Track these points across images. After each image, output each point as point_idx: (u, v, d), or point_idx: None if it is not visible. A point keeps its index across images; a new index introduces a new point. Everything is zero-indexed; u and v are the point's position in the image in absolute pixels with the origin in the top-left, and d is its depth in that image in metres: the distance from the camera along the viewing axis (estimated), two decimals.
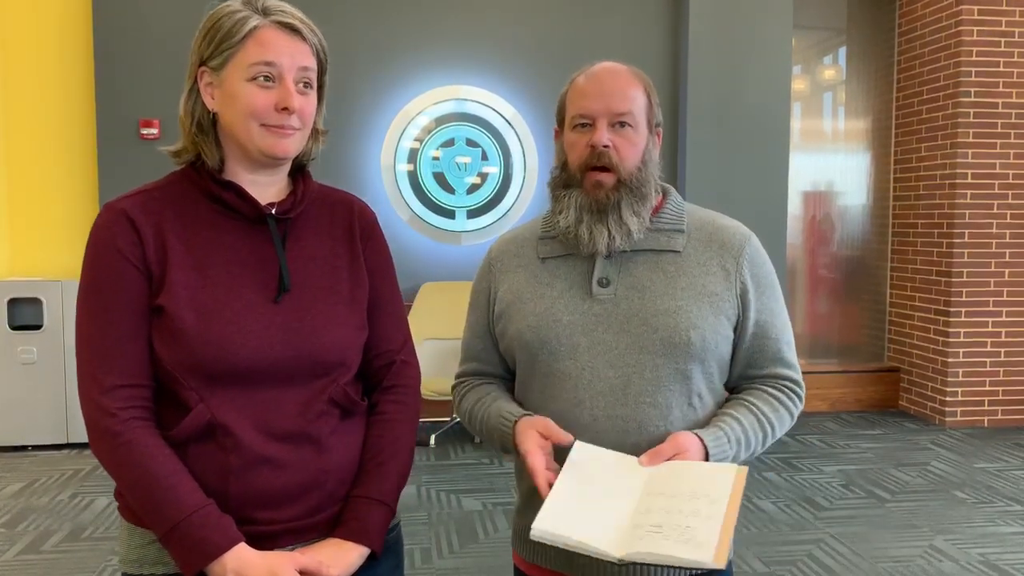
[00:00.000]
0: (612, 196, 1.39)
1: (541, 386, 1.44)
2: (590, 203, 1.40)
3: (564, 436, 1.33)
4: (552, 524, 1.20)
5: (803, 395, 1.48)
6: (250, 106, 1.22)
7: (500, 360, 1.55)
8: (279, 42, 1.23)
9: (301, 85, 1.26)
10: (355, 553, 1.26)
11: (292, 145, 1.27)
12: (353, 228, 1.37)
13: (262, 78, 1.22)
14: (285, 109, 1.23)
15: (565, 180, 1.45)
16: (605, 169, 1.40)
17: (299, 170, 1.36)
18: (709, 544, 1.13)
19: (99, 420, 1.19)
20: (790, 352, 1.47)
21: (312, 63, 1.27)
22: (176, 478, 1.18)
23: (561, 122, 1.48)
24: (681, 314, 1.38)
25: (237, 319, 1.22)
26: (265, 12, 1.24)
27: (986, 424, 5.68)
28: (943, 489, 4.36)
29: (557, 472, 1.31)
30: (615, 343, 1.39)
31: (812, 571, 3.34)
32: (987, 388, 5.68)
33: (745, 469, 1.27)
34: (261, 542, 1.22)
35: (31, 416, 4.90)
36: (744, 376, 1.47)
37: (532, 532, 1.20)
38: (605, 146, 1.39)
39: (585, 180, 1.41)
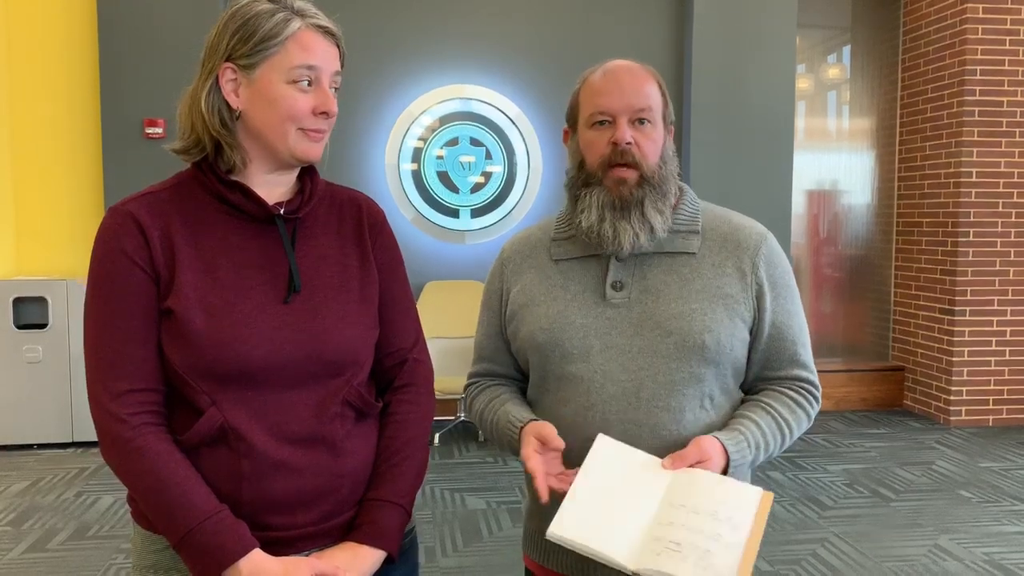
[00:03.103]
0: (636, 192, 1.37)
1: (554, 389, 1.42)
2: (613, 200, 1.38)
3: (557, 442, 1.31)
4: (568, 529, 1.18)
5: (819, 396, 1.46)
6: (292, 109, 1.22)
7: (512, 361, 1.54)
8: (319, 46, 1.23)
9: (332, 89, 1.26)
10: (372, 557, 1.25)
11: (322, 149, 1.28)
12: (362, 225, 1.36)
13: (304, 82, 1.22)
14: (324, 113, 1.24)
15: (584, 180, 1.42)
16: (628, 166, 1.37)
17: (306, 167, 1.35)
18: (727, 575, 1.11)
19: (110, 426, 1.18)
20: (806, 354, 1.45)
21: (340, 67, 1.27)
22: (188, 484, 1.17)
23: (572, 122, 1.46)
24: (695, 317, 1.36)
25: (247, 321, 1.21)
26: (301, 14, 1.23)
27: (991, 423, 5.67)
28: (948, 488, 4.35)
29: (561, 475, 1.30)
30: (628, 346, 1.38)
31: (816, 570, 3.33)
32: (992, 387, 5.67)
33: (771, 495, 1.24)
34: (276, 547, 1.21)
35: (36, 415, 4.91)
36: (760, 378, 1.46)
37: (548, 534, 1.19)
38: (628, 143, 1.37)
39: (606, 177, 1.39)
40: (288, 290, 1.25)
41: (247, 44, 1.21)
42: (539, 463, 1.30)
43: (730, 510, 1.20)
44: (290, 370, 1.23)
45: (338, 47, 1.27)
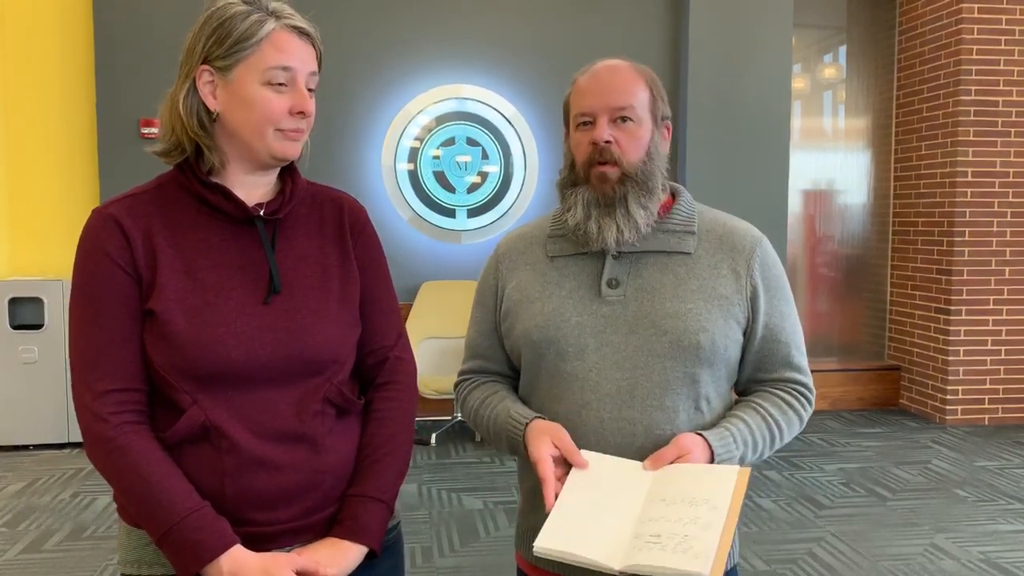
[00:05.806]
0: (618, 189, 1.38)
1: (547, 386, 1.43)
2: (596, 198, 1.39)
3: (579, 459, 1.30)
4: (554, 540, 1.20)
5: (813, 399, 1.47)
6: (268, 111, 1.22)
7: (505, 358, 1.53)
8: (294, 46, 1.24)
9: (308, 89, 1.27)
10: (353, 552, 1.26)
11: (300, 148, 1.29)
12: (343, 225, 1.37)
13: (280, 82, 1.23)
14: (300, 113, 1.25)
15: (573, 179, 1.44)
16: (609, 164, 1.39)
17: (287, 168, 1.35)
18: (706, 555, 1.12)
19: (92, 425, 1.20)
20: (800, 356, 1.46)
21: (316, 68, 1.28)
22: (170, 481, 1.18)
23: (568, 124, 1.47)
24: (690, 317, 1.37)
25: (227, 321, 1.22)
26: (276, 15, 1.24)
27: (987, 422, 5.67)
28: (944, 487, 4.36)
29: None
30: (623, 345, 1.38)
31: (813, 569, 3.34)
32: (988, 386, 5.67)
33: (748, 470, 1.25)
34: (258, 543, 1.22)
35: (32, 415, 4.91)
36: (753, 379, 1.47)
37: (535, 549, 1.20)
38: (607, 142, 1.38)
39: (590, 175, 1.40)
40: (268, 291, 1.26)
41: (222, 46, 1.22)
42: (551, 470, 1.29)
43: (707, 492, 1.21)
44: (270, 369, 1.24)
45: (314, 47, 1.27)
